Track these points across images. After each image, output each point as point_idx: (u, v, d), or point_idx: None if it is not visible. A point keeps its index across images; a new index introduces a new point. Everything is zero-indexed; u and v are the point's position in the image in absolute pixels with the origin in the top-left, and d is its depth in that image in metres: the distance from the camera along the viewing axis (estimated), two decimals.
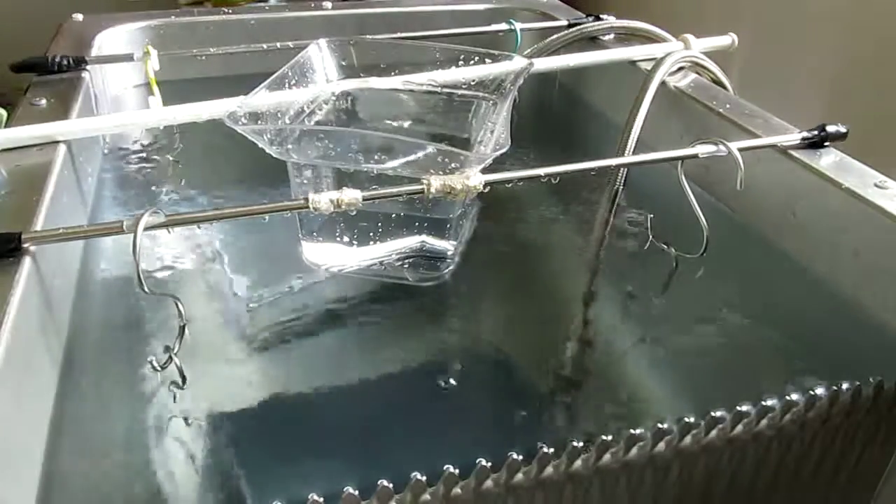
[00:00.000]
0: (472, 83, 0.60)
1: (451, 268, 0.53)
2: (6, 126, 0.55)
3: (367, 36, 0.83)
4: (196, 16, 0.87)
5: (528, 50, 0.80)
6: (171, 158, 0.69)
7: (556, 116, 0.87)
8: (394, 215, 0.51)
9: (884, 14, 1.00)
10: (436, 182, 0.44)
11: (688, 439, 0.39)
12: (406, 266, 0.52)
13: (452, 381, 0.45)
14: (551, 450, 0.36)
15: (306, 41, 0.61)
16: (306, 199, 0.43)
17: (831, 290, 0.52)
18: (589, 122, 0.84)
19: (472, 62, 0.60)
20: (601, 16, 0.85)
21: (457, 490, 0.35)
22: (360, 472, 0.35)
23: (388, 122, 0.61)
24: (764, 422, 0.40)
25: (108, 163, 0.68)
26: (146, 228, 0.40)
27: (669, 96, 0.68)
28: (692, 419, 0.39)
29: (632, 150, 0.63)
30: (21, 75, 0.68)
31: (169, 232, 0.42)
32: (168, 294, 0.45)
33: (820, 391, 0.41)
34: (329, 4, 0.92)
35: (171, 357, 0.42)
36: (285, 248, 0.54)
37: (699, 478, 0.41)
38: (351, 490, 0.33)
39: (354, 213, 0.45)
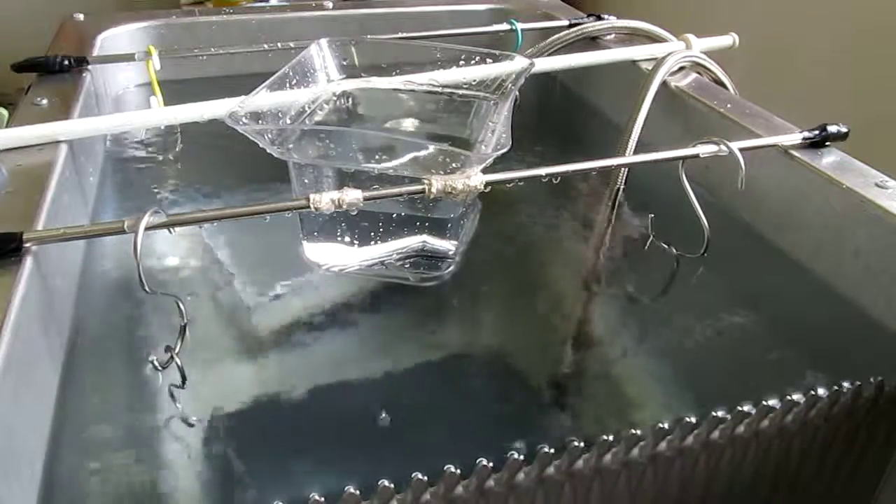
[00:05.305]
0: (473, 83, 0.60)
1: (452, 268, 0.53)
2: (8, 126, 0.55)
3: (368, 36, 0.83)
4: (197, 16, 0.87)
5: (529, 50, 0.80)
6: (172, 158, 0.69)
7: (557, 116, 0.87)
8: (395, 215, 0.51)
9: (884, 14, 1.00)
10: (437, 182, 0.44)
11: (689, 439, 0.39)
12: (407, 266, 0.52)
13: (453, 381, 0.45)
14: (552, 450, 0.36)
15: (307, 41, 0.61)
16: (307, 199, 0.43)
17: (831, 290, 0.52)
18: (590, 122, 0.84)
19: (473, 62, 0.60)
20: (602, 16, 0.85)
21: (458, 490, 0.35)
22: (361, 472, 0.35)
23: (389, 121, 0.61)
24: (765, 421, 0.40)
25: (109, 163, 0.68)
26: (147, 228, 0.40)
27: (670, 96, 0.68)
28: (693, 419, 0.39)
29: (633, 149, 0.63)
30: (22, 75, 0.68)
31: (170, 232, 0.42)
32: (169, 294, 0.45)
33: (821, 391, 0.41)
34: (330, 4, 0.92)
35: (172, 357, 0.42)
36: (286, 248, 0.54)
37: (700, 477, 0.41)
38: (352, 490, 0.33)
39: (355, 212, 0.45)
